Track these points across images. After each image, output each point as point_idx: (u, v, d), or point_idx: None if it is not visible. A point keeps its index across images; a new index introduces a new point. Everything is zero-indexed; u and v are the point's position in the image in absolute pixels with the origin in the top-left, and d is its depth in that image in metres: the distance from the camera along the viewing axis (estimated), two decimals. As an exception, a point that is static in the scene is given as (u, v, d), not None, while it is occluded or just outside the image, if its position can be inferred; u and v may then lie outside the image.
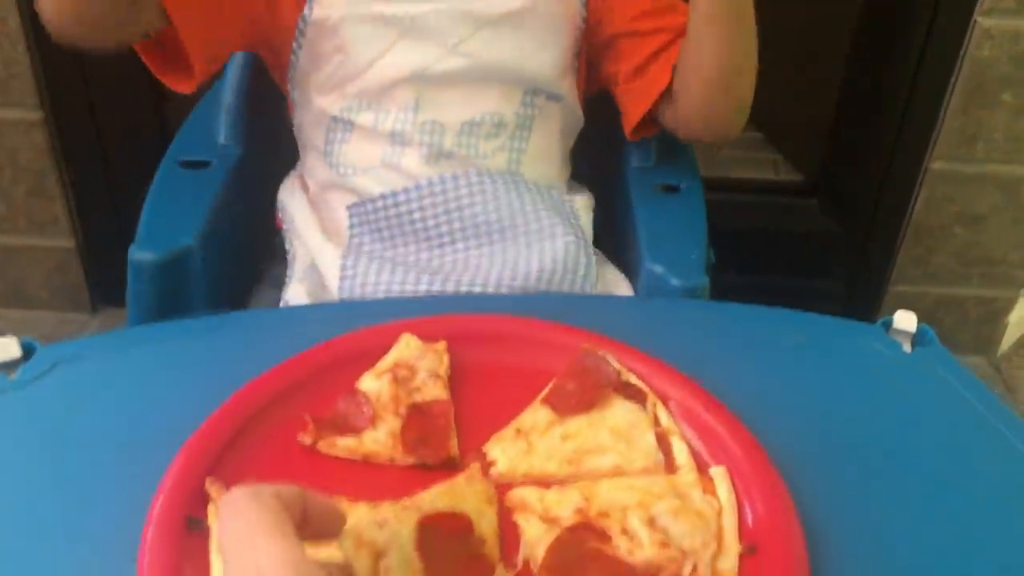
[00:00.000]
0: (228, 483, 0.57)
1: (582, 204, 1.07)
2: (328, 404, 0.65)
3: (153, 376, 0.69)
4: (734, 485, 0.61)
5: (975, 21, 1.51)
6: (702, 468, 0.63)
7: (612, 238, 1.11)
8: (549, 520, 0.58)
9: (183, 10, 0.92)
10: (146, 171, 1.04)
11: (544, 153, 1.07)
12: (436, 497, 0.53)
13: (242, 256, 1.10)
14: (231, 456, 0.60)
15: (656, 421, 0.66)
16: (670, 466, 0.63)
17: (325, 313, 0.87)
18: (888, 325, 0.77)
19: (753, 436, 0.63)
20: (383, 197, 0.98)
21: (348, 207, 1.00)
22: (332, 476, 0.61)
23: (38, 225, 1.68)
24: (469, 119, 1.02)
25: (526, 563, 0.56)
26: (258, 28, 1.04)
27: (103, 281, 1.74)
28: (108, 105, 1.55)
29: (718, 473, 0.62)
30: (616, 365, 0.68)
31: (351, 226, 1.00)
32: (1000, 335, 1.83)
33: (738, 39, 0.98)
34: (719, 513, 0.59)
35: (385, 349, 0.70)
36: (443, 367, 0.69)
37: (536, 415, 0.66)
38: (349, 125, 1.03)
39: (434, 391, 0.66)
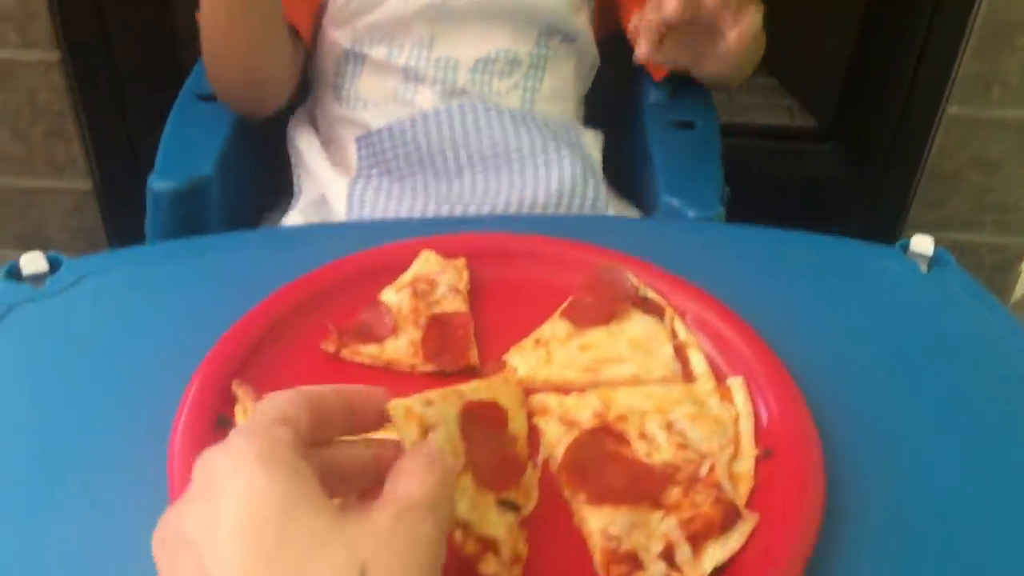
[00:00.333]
0: (255, 385, 0.59)
1: (591, 139, 1.08)
2: (351, 315, 0.66)
3: (177, 288, 0.71)
4: (751, 394, 0.62)
5: (993, -36, 1.49)
6: (719, 378, 0.63)
7: (626, 176, 1.11)
8: (568, 423, 0.59)
9: (295, 11, 1.00)
10: (162, 113, 1.05)
11: (558, 93, 1.07)
12: (476, 389, 0.53)
13: (257, 188, 1.11)
14: (258, 360, 0.61)
15: (674, 334, 0.66)
16: (688, 376, 0.64)
17: (344, 231, 0.88)
18: (905, 248, 0.78)
19: (769, 347, 0.64)
20: (389, 128, 0.99)
21: (356, 139, 1.01)
22: (355, 381, 0.61)
23: (56, 167, 1.68)
24: (483, 56, 1.02)
25: (546, 463, 0.57)
26: None
27: (121, 222, 1.75)
28: (124, 46, 1.55)
29: (735, 383, 0.62)
30: (634, 280, 0.69)
31: (359, 158, 1.01)
32: (1013, 282, 1.82)
33: (753, 48, 0.98)
34: (736, 419, 0.60)
35: (405, 265, 0.70)
36: (463, 282, 0.70)
37: (555, 327, 0.66)
38: (361, 58, 1.03)
39: (454, 304, 0.67)
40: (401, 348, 0.64)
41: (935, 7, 1.56)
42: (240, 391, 0.58)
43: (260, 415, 0.40)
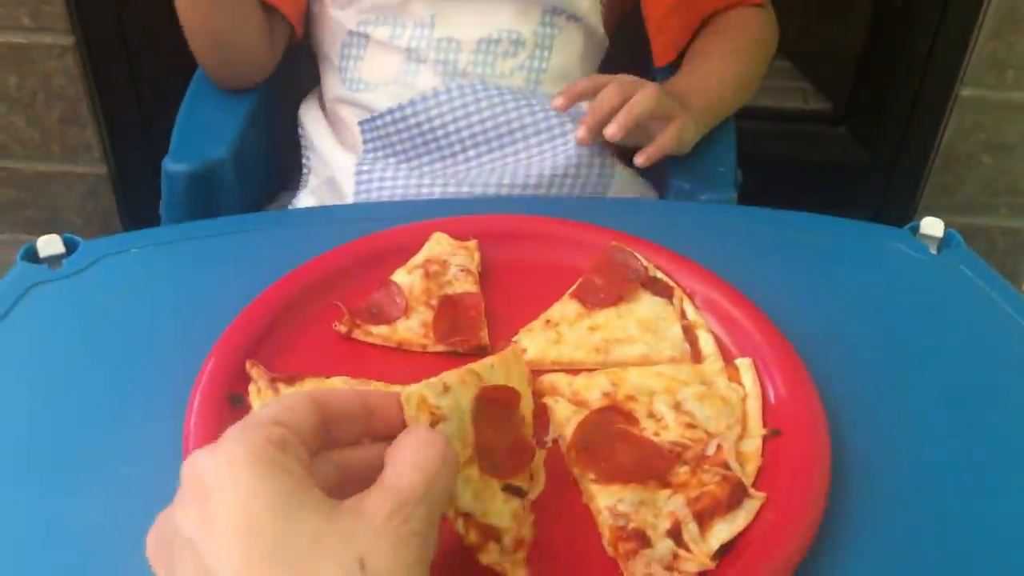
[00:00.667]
0: (268, 365, 0.59)
1: None
2: (363, 296, 0.66)
3: (192, 269, 0.72)
4: (759, 374, 0.62)
5: (1009, -55, 1.48)
6: (728, 359, 0.64)
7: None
8: (578, 403, 0.60)
9: None
10: (176, 97, 1.06)
11: (565, 75, 1.07)
12: (492, 369, 0.52)
13: (270, 170, 1.12)
14: (271, 340, 0.62)
15: (683, 314, 0.67)
16: (696, 356, 0.64)
17: (356, 212, 0.88)
18: (916, 230, 0.78)
19: (777, 328, 0.64)
20: (391, 111, 0.99)
21: (360, 122, 1.01)
22: (366, 362, 0.63)
23: (71, 151, 1.69)
24: (486, 36, 1.02)
25: (555, 442, 0.58)
26: None
27: (135, 206, 1.76)
28: (139, 30, 1.56)
29: (744, 363, 0.63)
30: (643, 261, 0.70)
31: (364, 140, 1.01)
32: (1027, 266, 1.82)
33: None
34: (744, 399, 0.60)
35: (417, 247, 0.71)
36: (474, 264, 0.70)
37: (565, 308, 0.67)
38: (364, 39, 1.04)
39: (465, 285, 0.68)
40: (412, 328, 0.65)
41: (950, -12, 1.55)
42: (254, 371, 0.59)
43: (253, 418, 0.39)
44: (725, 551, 0.51)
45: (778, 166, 1.66)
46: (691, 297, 0.68)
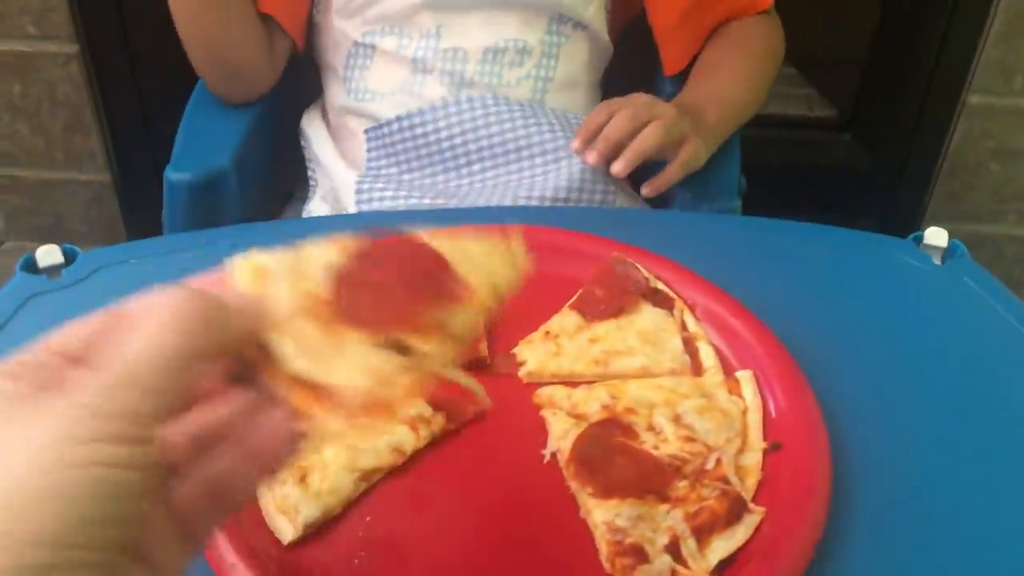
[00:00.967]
0: (264, 377, 0.59)
1: None
2: (361, 306, 0.66)
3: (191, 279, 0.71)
4: (760, 387, 0.61)
5: (1014, -49, 1.48)
6: (728, 371, 0.63)
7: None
8: (576, 416, 0.59)
9: (279, 5, 1.03)
10: (180, 106, 1.06)
11: (571, 83, 1.07)
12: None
13: (273, 180, 1.11)
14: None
15: (683, 326, 0.66)
16: (697, 369, 0.64)
17: (354, 222, 0.88)
18: (919, 240, 0.77)
19: (779, 340, 0.64)
20: (399, 119, 0.99)
21: (366, 131, 1.01)
22: (365, 373, 0.62)
23: (75, 159, 1.70)
24: (492, 45, 1.02)
25: (554, 455, 0.57)
26: None
27: (138, 214, 1.76)
28: (143, 39, 1.56)
29: (744, 376, 0.62)
30: (644, 273, 0.69)
31: (369, 150, 1.01)
32: (1035, 274, 1.81)
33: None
34: (744, 412, 0.60)
35: (416, 258, 0.71)
36: (473, 274, 0.70)
37: (565, 319, 0.67)
38: (371, 49, 1.03)
39: (464, 296, 0.67)
40: (410, 340, 0.64)
41: (957, -7, 1.55)
42: (250, 383, 0.59)
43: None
44: (724, 567, 0.51)
45: (784, 173, 1.66)
46: (692, 309, 0.67)
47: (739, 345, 0.65)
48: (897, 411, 0.63)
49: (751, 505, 0.53)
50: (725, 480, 0.55)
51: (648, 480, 0.55)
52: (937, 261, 0.76)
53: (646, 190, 0.90)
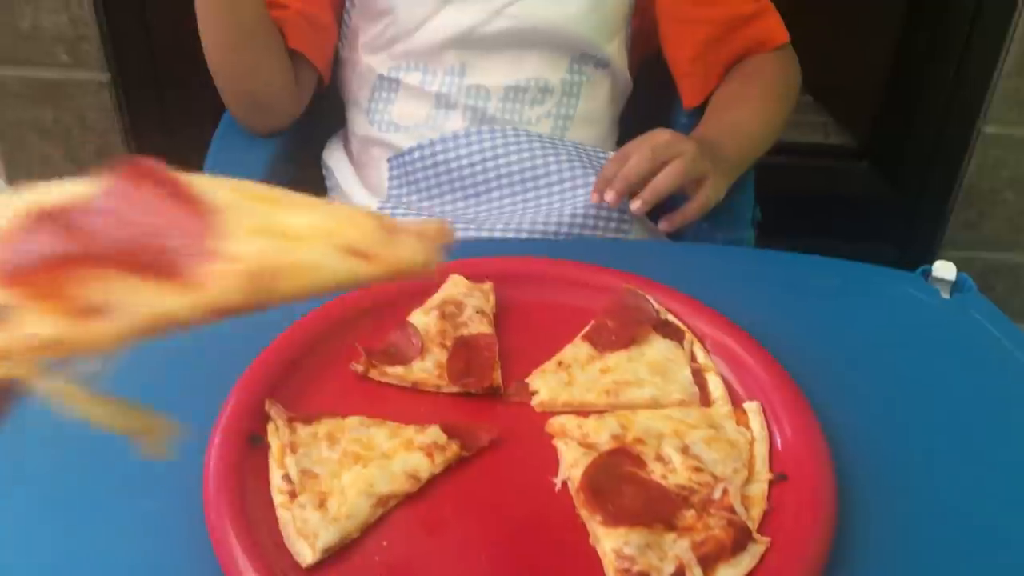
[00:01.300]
0: (287, 404, 0.61)
1: None
2: (380, 337, 0.68)
3: (216, 309, 0.73)
4: (767, 418, 0.63)
5: (1031, -19, 1.49)
6: (736, 402, 0.65)
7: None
8: (587, 445, 0.61)
9: (307, 40, 1.05)
10: (205, 132, 1.09)
11: (591, 120, 1.09)
12: None
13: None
14: (290, 380, 0.64)
15: (693, 357, 0.68)
16: (705, 400, 0.65)
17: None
18: (928, 274, 0.79)
19: (787, 373, 0.65)
20: (420, 147, 1.02)
21: (388, 159, 1.04)
22: (382, 401, 0.65)
23: (104, 183, 1.74)
24: (514, 83, 1.04)
25: (565, 483, 0.59)
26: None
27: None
28: (171, 68, 1.60)
29: (752, 408, 0.64)
30: (655, 304, 0.71)
31: (390, 178, 1.04)
32: (1053, 302, 1.81)
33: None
34: (751, 443, 0.61)
35: (434, 288, 0.73)
36: (489, 305, 0.72)
37: (577, 350, 0.69)
38: (396, 84, 1.06)
39: (480, 326, 0.70)
40: (427, 369, 0.66)
41: (972, 25, 1.56)
42: (272, 410, 0.61)
43: None
44: (730, 595, 0.52)
45: (800, 201, 1.67)
46: (702, 340, 0.69)
47: (747, 377, 0.66)
48: (903, 443, 0.64)
49: (756, 535, 0.55)
50: (731, 510, 0.56)
51: (656, 509, 0.56)
52: (945, 295, 0.77)
53: (663, 225, 0.92)
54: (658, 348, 0.68)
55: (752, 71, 1.08)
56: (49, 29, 1.57)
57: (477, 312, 0.71)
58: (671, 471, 0.59)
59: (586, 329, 0.70)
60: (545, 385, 0.66)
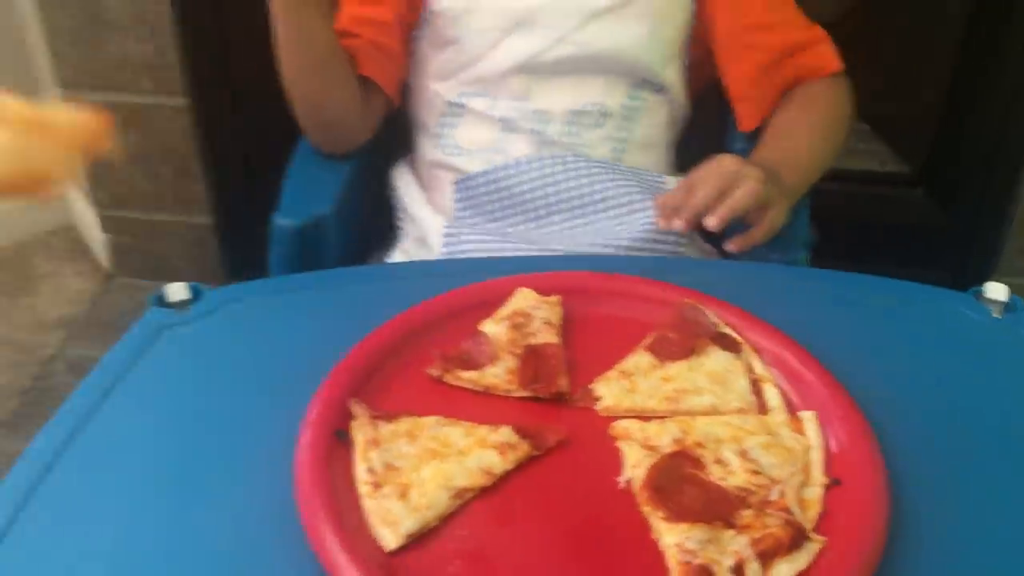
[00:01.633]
0: (369, 404, 0.66)
1: (673, 184, 1.11)
2: (454, 343, 0.73)
3: (302, 316, 0.79)
4: (822, 427, 0.66)
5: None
6: (792, 411, 0.68)
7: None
8: (649, 448, 0.64)
9: (378, 67, 1.10)
10: (279, 156, 1.14)
11: (649, 144, 1.13)
12: None
13: (366, 228, 1.19)
14: (371, 382, 0.69)
15: (750, 368, 0.72)
16: (762, 408, 0.69)
17: (447, 267, 0.96)
18: (979, 294, 0.81)
19: (841, 384, 0.68)
20: (484, 173, 1.07)
21: (454, 182, 1.09)
22: (456, 403, 0.69)
23: (182, 203, 1.82)
24: (575, 108, 1.09)
25: (628, 482, 0.63)
26: (407, 27, 1.15)
27: (237, 257, 1.87)
28: (248, 95, 1.68)
29: (807, 416, 0.67)
30: (714, 318, 0.75)
31: (456, 200, 1.09)
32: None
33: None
34: (807, 449, 0.65)
35: (505, 300, 0.77)
36: (556, 317, 0.76)
37: (639, 359, 0.72)
38: (462, 109, 1.11)
39: (547, 336, 0.74)
40: (498, 375, 0.71)
41: (1028, 52, 1.57)
42: (356, 408, 0.66)
43: None
44: (786, 591, 0.55)
45: (856, 228, 1.68)
46: (758, 353, 0.73)
47: (803, 387, 0.69)
48: (954, 455, 0.66)
49: (812, 534, 0.58)
50: (788, 511, 0.59)
51: (716, 508, 0.59)
52: (997, 315, 0.79)
53: (730, 246, 0.93)
54: (717, 359, 0.72)
55: (807, 98, 1.10)
56: (136, 57, 1.66)
57: (545, 323, 0.75)
58: (730, 473, 0.62)
59: (647, 340, 0.74)
60: (609, 391, 0.70)
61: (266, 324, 0.78)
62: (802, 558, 0.57)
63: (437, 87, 1.13)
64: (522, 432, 0.65)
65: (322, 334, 0.75)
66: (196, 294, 0.79)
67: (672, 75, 1.12)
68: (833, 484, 0.62)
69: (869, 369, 0.72)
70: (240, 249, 1.83)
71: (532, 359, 0.71)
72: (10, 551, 0.58)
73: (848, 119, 1.12)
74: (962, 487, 0.64)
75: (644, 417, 0.67)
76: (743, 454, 0.64)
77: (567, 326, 0.76)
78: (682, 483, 0.61)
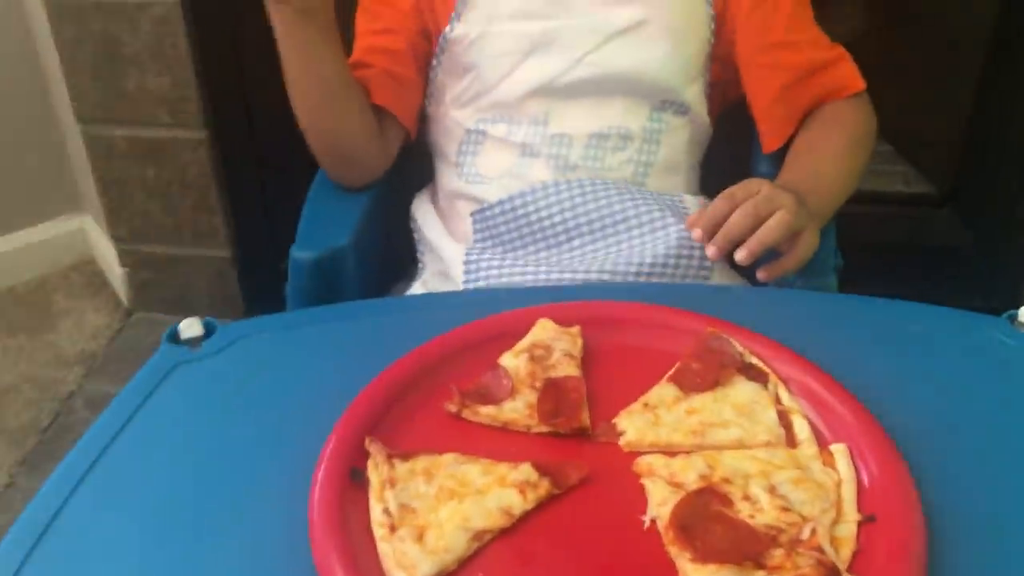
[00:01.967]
0: (385, 442, 0.64)
1: (693, 204, 1.10)
2: (472, 377, 0.71)
3: (316, 351, 0.78)
4: (854, 460, 0.64)
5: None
6: (823, 444, 0.66)
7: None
8: (675, 484, 0.62)
9: (392, 96, 1.10)
10: (296, 189, 1.13)
11: (672, 167, 1.11)
12: None
13: (385, 260, 1.18)
14: (387, 419, 0.67)
15: (777, 400, 0.69)
16: (791, 441, 0.66)
17: (466, 299, 0.94)
18: (1013, 318, 0.78)
19: (872, 415, 0.66)
20: (501, 203, 1.05)
21: (472, 213, 1.08)
22: (475, 440, 0.67)
23: (201, 236, 1.82)
24: (596, 131, 1.07)
25: (653, 521, 0.60)
26: (422, 56, 1.14)
27: (256, 290, 1.87)
28: (266, 128, 1.68)
29: (839, 449, 0.65)
30: (739, 348, 0.73)
31: (475, 231, 1.07)
32: None
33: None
34: (838, 484, 0.62)
35: (523, 332, 0.76)
36: (577, 349, 0.74)
37: (663, 391, 0.70)
38: (482, 136, 1.10)
39: (568, 369, 0.72)
40: (518, 409, 0.69)
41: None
42: (372, 447, 0.64)
43: None
44: (819, 633, 0.53)
45: (883, 250, 1.66)
46: (786, 383, 0.70)
47: (832, 419, 0.67)
48: (991, 486, 0.64)
49: (846, 574, 0.56)
50: (820, 550, 0.57)
51: (745, 547, 0.57)
52: (1032, 338, 0.77)
53: (762, 275, 0.90)
54: (743, 390, 0.70)
55: (830, 119, 1.09)
56: (154, 91, 1.67)
57: (565, 355, 0.73)
58: (759, 510, 0.60)
59: (671, 371, 0.72)
60: (632, 425, 0.67)
61: (280, 359, 0.77)
62: (836, 600, 0.54)
63: (456, 115, 1.12)
64: (543, 470, 0.63)
65: (337, 369, 0.73)
66: (209, 330, 0.78)
67: (694, 95, 1.11)
68: (867, 520, 0.60)
69: (901, 399, 0.69)
70: (260, 282, 1.83)
71: (552, 393, 0.70)
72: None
73: (872, 139, 1.10)
74: (1001, 521, 0.61)
75: (669, 452, 0.65)
76: (772, 490, 0.61)
77: (588, 357, 0.74)
78: (709, 522, 0.59)
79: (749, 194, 0.87)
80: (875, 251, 1.50)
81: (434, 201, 1.18)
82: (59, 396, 1.79)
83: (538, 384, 0.70)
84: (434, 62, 1.14)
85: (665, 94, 1.09)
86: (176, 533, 0.61)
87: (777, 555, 0.57)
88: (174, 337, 0.78)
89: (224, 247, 1.84)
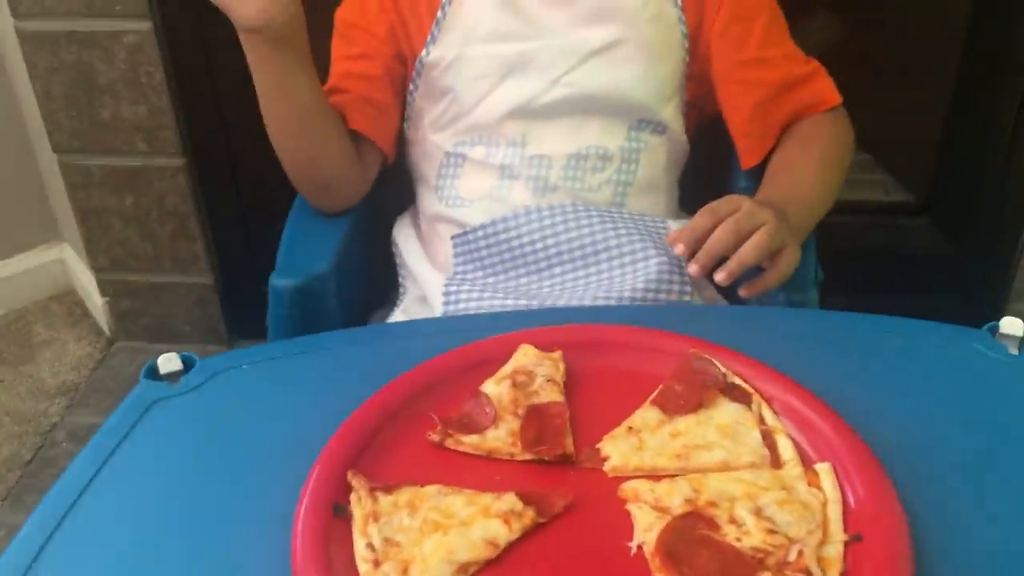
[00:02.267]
0: (367, 474, 0.64)
1: (676, 228, 1.10)
2: (454, 406, 0.71)
3: (296, 383, 0.77)
4: (839, 479, 0.63)
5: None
6: (807, 464, 0.66)
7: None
8: (660, 509, 0.62)
9: (369, 121, 1.09)
10: (276, 214, 1.13)
11: (650, 186, 1.11)
12: None
13: (367, 286, 1.18)
14: (369, 451, 0.67)
15: (761, 420, 0.69)
16: (776, 462, 0.66)
17: (446, 326, 0.93)
18: (995, 330, 0.79)
19: (856, 433, 0.66)
20: (483, 227, 1.05)
21: (452, 237, 1.07)
22: (458, 470, 0.67)
23: (181, 264, 1.81)
24: (575, 152, 1.08)
25: (639, 547, 0.60)
26: (399, 80, 1.14)
27: (239, 316, 1.86)
28: (244, 155, 1.67)
29: (823, 469, 0.65)
30: (722, 368, 0.72)
31: (455, 255, 1.07)
32: None
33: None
34: (824, 504, 0.62)
35: (505, 358, 0.75)
36: (559, 374, 0.74)
37: (646, 415, 0.70)
38: (461, 158, 1.10)
39: (551, 395, 0.71)
40: (501, 438, 0.68)
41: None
42: (355, 481, 0.63)
43: None
44: (809, 657, 0.53)
45: (862, 259, 1.67)
46: (769, 403, 0.70)
47: (817, 438, 0.67)
48: (977, 501, 0.64)
49: (834, 596, 0.55)
50: (807, 572, 0.57)
51: (732, 572, 0.57)
52: (1013, 351, 0.77)
53: (744, 292, 0.90)
54: (726, 411, 0.69)
55: (808, 134, 1.09)
56: (129, 120, 1.66)
57: (547, 380, 0.73)
58: (745, 533, 0.60)
59: (654, 394, 0.72)
60: (616, 450, 0.67)
61: (260, 393, 0.76)
62: (826, 622, 0.54)
63: (435, 138, 1.12)
64: (527, 499, 0.62)
65: (318, 401, 0.73)
66: (188, 364, 0.77)
67: (671, 114, 1.11)
68: (854, 540, 0.60)
69: (885, 415, 0.69)
70: (242, 307, 1.82)
71: (535, 419, 0.69)
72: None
73: (850, 151, 1.11)
74: (988, 536, 0.61)
75: (654, 476, 0.65)
76: (758, 512, 0.61)
77: (571, 381, 0.74)
78: (696, 546, 0.59)
79: (731, 209, 0.87)
80: (855, 260, 1.51)
81: (415, 225, 1.17)
82: (41, 429, 1.77)
83: (521, 411, 0.70)
84: (411, 86, 1.14)
85: (642, 113, 1.09)
86: (159, 570, 0.60)
87: (765, 578, 0.56)
88: (152, 372, 0.77)
89: (205, 274, 1.83)
